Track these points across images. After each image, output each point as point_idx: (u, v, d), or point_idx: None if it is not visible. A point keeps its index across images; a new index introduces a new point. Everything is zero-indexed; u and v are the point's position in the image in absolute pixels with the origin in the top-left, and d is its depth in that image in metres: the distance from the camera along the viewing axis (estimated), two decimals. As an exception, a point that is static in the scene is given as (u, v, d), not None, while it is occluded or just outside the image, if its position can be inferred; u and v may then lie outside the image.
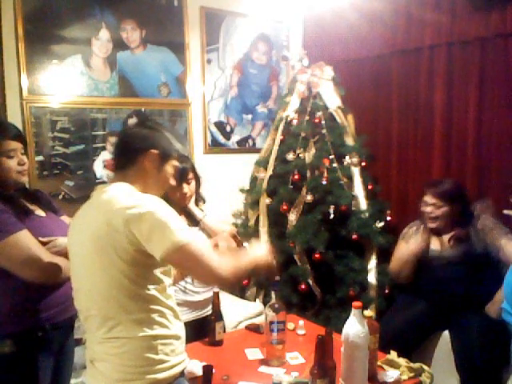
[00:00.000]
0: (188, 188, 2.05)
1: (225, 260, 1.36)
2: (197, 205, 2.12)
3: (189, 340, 1.96)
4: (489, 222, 2.41)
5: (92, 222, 1.31)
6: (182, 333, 1.42)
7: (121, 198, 1.28)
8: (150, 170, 1.38)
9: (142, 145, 1.38)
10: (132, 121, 1.34)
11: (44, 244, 1.60)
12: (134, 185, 1.36)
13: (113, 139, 2.94)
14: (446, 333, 2.44)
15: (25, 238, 1.53)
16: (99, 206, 1.32)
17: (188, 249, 1.26)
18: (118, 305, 1.29)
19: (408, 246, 2.52)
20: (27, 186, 1.80)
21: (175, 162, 1.46)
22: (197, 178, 2.13)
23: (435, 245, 2.53)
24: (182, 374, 1.41)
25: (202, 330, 1.99)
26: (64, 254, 1.65)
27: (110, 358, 1.31)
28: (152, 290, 1.32)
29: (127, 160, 1.38)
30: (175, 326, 1.38)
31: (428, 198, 2.48)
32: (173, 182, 1.47)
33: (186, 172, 2.05)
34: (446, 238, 2.50)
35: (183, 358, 1.41)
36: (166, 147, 1.41)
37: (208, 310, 2.09)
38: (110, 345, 1.31)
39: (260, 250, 1.55)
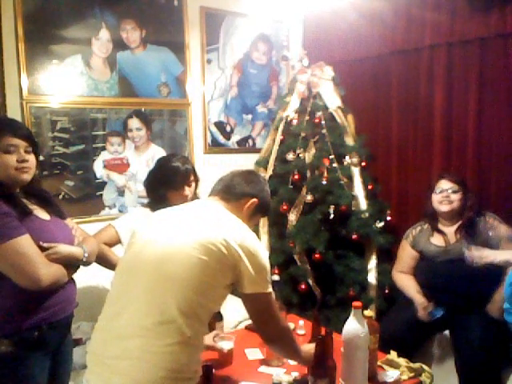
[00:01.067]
0: (189, 190, 2.05)
1: (285, 327, 1.53)
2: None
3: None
4: (494, 217, 2.47)
5: (204, 226, 1.39)
6: None
7: (242, 229, 1.44)
8: (246, 212, 1.55)
9: (251, 192, 1.57)
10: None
11: (44, 249, 1.58)
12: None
13: (113, 139, 2.94)
14: (447, 333, 2.44)
15: (24, 244, 1.51)
16: (219, 220, 1.43)
17: (267, 297, 1.43)
18: (188, 305, 1.31)
19: (409, 290, 2.54)
20: (37, 184, 1.76)
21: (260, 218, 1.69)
22: (196, 180, 2.13)
23: (438, 241, 2.53)
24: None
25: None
26: (63, 261, 1.64)
27: (146, 356, 1.26)
28: (216, 309, 1.46)
29: (238, 194, 1.55)
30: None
31: (444, 184, 2.52)
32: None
33: (188, 174, 2.05)
34: (450, 231, 2.51)
35: (199, 374, 1.42)
36: (266, 202, 1.64)
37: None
38: (153, 341, 1.27)
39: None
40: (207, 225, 1.40)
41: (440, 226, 2.57)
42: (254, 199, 1.55)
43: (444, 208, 2.51)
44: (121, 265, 1.49)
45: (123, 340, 1.30)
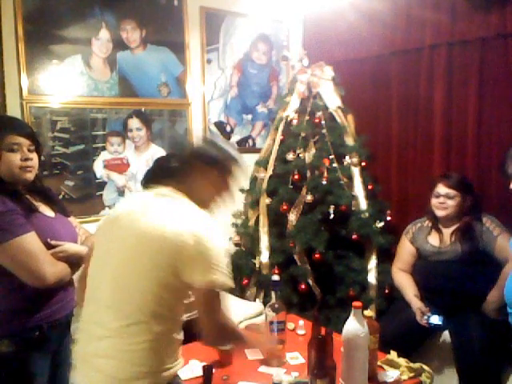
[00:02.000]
0: None
1: (228, 320, 1.40)
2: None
3: (188, 340, 1.97)
4: (492, 219, 2.45)
5: (152, 223, 1.29)
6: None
7: (189, 217, 1.31)
8: (207, 184, 1.41)
9: (204, 162, 1.41)
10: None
11: (52, 247, 1.59)
12: (189, 198, 1.38)
13: (113, 139, 2.94)
14: (446, 333, 2.44)
15: (30, 241, 1.51)
16: (162, 212, 1.32)
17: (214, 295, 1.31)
18: (148, 307, 1.28)
19: (407, 293, 2.52)
20: (39, 182, 1.77)
21: (232, 181, 1.48)
22: None
23: (434, 240, 2.53)
24: (177, 375, 1.42)
25: (201, 330, 1.99)
26: (70, 259, 1.65)
27: (119, 355, 1.28)
28: (182, 304, 1.36)
29: (185, 172, 1.41)
30: (182, 331, 1.41)
31: (440, 189, 2.48)
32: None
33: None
34: (447, 233, 2.50)
35: (181, 361, 1.42)
36: (226, 165, 1.45)
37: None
38: (123, 341, 1.28)
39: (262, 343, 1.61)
40: (150, 223, 1.30)
41: (439, 226, 2.56)
42: (199, 165, 1.41)
43: (439, 213, 2.50)
44: (89, 269, 1.44)
45: (97, 341, 1.31)
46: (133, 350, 1.27)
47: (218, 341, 1.49)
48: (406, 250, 2.65)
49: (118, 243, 1.35)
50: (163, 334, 1.31)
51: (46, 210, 1.68)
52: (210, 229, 1.31)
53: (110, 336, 1.29)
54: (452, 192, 2.46)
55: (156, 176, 2.00)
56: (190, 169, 1.42)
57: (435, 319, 2.32)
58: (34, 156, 1.65)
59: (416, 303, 2.43)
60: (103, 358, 1.29)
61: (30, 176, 1.63)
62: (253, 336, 1.58)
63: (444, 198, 2.47)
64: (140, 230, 1.30)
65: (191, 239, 1.26)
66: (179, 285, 1.29)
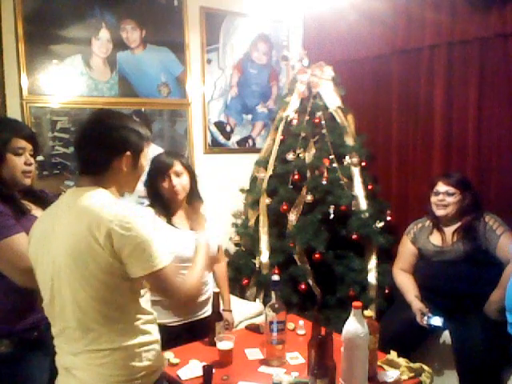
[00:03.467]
0: (178, 181, 2.04)
1: (185, 281, 1.38)
2: (191, 203, 2.08)
3: (188, 340, 1.97)
4: (496, 217, 2.44)
5: (70, 229, 1.25)
6: (159, 336, 1.42)
7: (106, 209, 1.23)
8: (126, 170, 1.32)
9: (115, 150, 1.30)
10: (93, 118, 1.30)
11: None
12: (109, 189, 1.31)
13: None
14: (446, 333, 2.43)
15: (20, 242, 1.51)
16: (79, 213, 1.25)
17: (162, 273, 1.26)
18: (100, 316, 1.26)
19: (408, 293, 2.51)
20: (32, 185, 1.75)
21: (147, 150, 1.38)
22: (191, 174, 2.11)
23: (436, 240, 2.52)
24: (161, 377, 1.41)
25: (201, 331, 1.99)
26: None
27: (93, 368, 1.28)
28: (133, 300, 1.31)
29: (99, 165, 1.30)
30: (155, 330, 1.39)
31: (440, 187, 2.48)
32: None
33: (169, 164, 2.04)
34: (448, 232, 2.49)
35: (162, 362, 1.42)
36: (138, 143, 1.33)
37: (207, 311, 2.09)
38: (91, 355, 1.28)
39: (203, 243, 1.58)
40: (70, 226, 1.25)
41: (440, 225, 2.55)
42: (126, 153, 1.31)
43: (439, 212, 2.49)
44: (40, 289, 1.39)
45: (71, 355, 1.31)
46: (103, 362, 1.27)
47: (190, 302, 1.54)
48: (407, 250, 2.65)
49: (51, 264, 1.29)
50: (125, 341, 1.29)
51: (38, 212, 1.68)
52: (132, 216, 1.23)
53: (81, 352, 1.29)
54: (451, 189, 2.45)
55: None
56: (99, 159, 1.30)
57: (436, 321, 2.31)
58: (33, 160, 1.66)
59: (416, 304, 2.42)
60: (80, 371, 1.30)
61: (29, 181, 1.66)
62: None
63: (443, 196, 2.46)
64: (67, 240, 1.25)
65: (117, 233, 1.20)
66: (122, 283, 1.26)
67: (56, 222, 1.30)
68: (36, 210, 1.68)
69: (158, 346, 1.38)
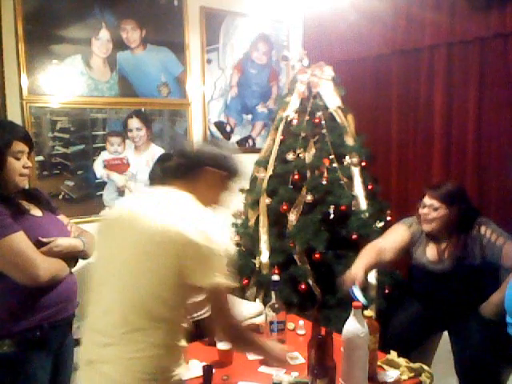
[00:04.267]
0: None
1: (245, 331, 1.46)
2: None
3: (188, 340, 1.97)
4: (492, 226, 2.29)
5: (156, 223, 1.28)
6: None
7: (191, 215, 1.30)
8: (212, 186, 1.43)
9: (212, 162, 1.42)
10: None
11: (45, 244, 1.59)
12: (194, 195, 1.38)
13: (113, 139, 2.94)
14: (446, 333, 2.43)
15: (19, 240, 1.52)
16: (166, 211, 1.31)
17: (224, 290, 1.31)
18: (149, 312, 1.28)
19: (358, 261, 2.25)
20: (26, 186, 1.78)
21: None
22: None
23: (432, 254, 2.39)
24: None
25: (201, 331, 1.99)
26: (65, 254, 1.65)
27: (123, 362, 1.27)
28: (183, 304, 1.35)
29: (193, 173, 1.41)
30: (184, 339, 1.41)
31: (426, 200, 2.34)
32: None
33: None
34: (443, 244, 2.36)
35: (183, 370, 1.42)
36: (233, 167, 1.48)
37: (208, 311, 2.09)
38: (127, 348, 1.27)
39: (277, 351, 1.58)
40: (154, 223, 1.29)
41: (435, 237, 2.40)
42: (208, 168, 1.41)
43: (424, 227, 2.34)
44: (93, 271, 1.42)
45: (99, 347, 1.31)
46: (136, 357, 1.27)
47: (233, 339, 1.47)
48: (397, 236, 2.44)
49: (120, 246, 1.34)
50: (165, 340, 1.30)
51: (34, 210, 1.69)
52: (215, 229, 1.30)
53: (113, 344, 1.28)
54: (436, 203, 2.28)
55: (159, 176, 2.02)
56: (197, 170, 1.42)
57: (358, 295, 2.02)
58: (30, 162, 1.67)
59: (353, 269, 2.18)
60: (107, 364, 1.29)
61: (26, 184, 1.67)
62: (266, 343, 1.60)
63: (428, 209, 2.31)
64: (143, 230, 1.29)
65: (196, 239, 1.25)
66: (182, 285, 1.29)
67: (141, 209, 1.34)
68: (34, 210, 1.68)
69: (183, 355, 1.40)
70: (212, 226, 1.30)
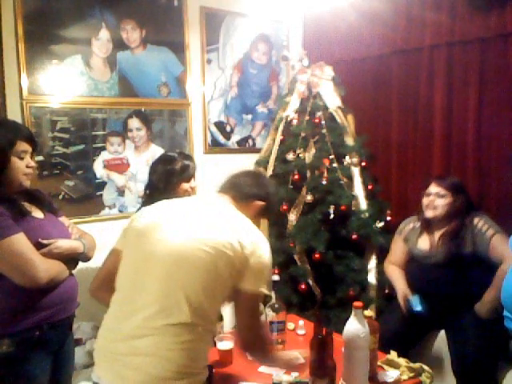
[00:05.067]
0: (195, 183, 2.17)
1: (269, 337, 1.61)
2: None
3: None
4: (485, 218, 2.39)
5: (216, 226, 1.39)
6: None
7: (252, 228, 1.44)
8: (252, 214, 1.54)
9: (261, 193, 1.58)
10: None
11: (45, 246, 1.59)
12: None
13: (113, 139, 2.94)
14: (443, 332, 2.44)
15: (19, 242, 1.51)
16: (231, 220, 1.44)
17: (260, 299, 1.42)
18: (203, 305, 1.33)
19: (394, 279, 2.60)
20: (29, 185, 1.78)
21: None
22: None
23: (424, 244, 2.51)
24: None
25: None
26: (65, 256, 1.65)
27: (161, 353, 1.29)
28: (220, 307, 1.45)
29: (247, 199, 1.55)
30: None
31: (432, 188, 2.47)
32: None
33: (193, 169, 2.15)
34: (437, 235, 2.46)
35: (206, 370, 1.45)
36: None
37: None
38: (167, 339, 1.29)
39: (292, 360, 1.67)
40: (219, 226, 1.40)
41: (430, 227, 2.51)
42: (262, 202, 1.57)
43: (428, 213, 2.47)
44: (129, 263, 1.43)
45: (133, 339, 1.31)
46: (175, 348, 1.29)
47: (256, 348, 1.50)
48: (398, 249, 2.66)
49: (169, 245, 1.36)
50: (203, 336, 1.35)
51: (35, 212, 1.68)
52: (265, 242, 1.43)
53: (153, 334, 1.29)
54: (442, 191, 2.43)
55: (161, 176, 2.16)
56: (252, 199, 1.57)
57: (416, 304, 2.35)
58: (33, 162, 1.67)
59: (399, 285, 2.50)
60: (142, 356, 1.29)
61: (29, 183, 1.66)
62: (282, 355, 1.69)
63: (434, 197, 2.45)
64: (201, 232, 1.37)
65: (251, 248, 1.36)
66: (231, 288, 1.37)
67: (201, 214, 1.46)
68: (36, 212, 1.68)
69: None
70: (263, 238, 1.44)
